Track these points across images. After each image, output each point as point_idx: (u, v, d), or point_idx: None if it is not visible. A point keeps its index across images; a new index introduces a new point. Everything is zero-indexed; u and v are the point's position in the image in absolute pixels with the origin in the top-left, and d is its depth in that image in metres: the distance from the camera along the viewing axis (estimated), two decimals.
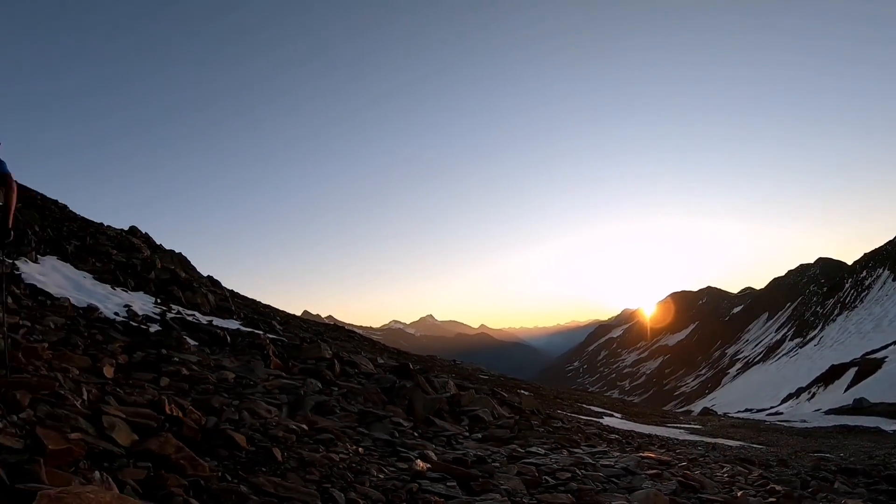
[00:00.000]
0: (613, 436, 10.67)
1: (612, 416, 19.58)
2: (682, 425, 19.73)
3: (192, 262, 17.68)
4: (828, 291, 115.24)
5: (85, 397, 3.71)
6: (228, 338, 9.76)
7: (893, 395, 25.84)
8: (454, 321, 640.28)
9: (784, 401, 54.67)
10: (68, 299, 8.19)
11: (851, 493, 6.36)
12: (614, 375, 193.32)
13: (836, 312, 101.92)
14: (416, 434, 5.68)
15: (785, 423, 22.75)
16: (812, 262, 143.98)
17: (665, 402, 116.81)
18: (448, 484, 3.78)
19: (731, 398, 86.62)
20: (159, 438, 3.10)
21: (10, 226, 4.57)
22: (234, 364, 7.34)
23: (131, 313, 9.66)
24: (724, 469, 6.71)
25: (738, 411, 58.59)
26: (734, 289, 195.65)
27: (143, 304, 11.06)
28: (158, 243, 17.77)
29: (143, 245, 16.50)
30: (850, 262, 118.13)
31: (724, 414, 43.59)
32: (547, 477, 4.49)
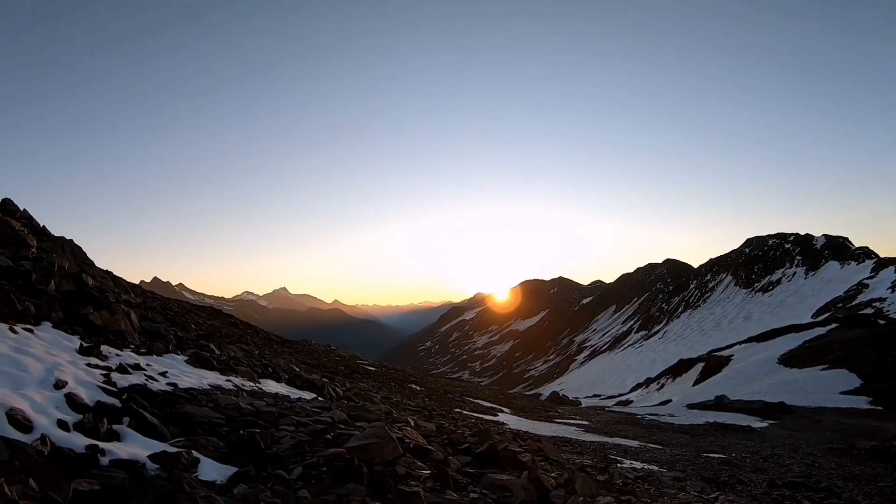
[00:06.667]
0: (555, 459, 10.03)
1: (503, 411, 19.53)
2: (570, 421, 19.63)
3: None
4: (673, 290, 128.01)
5: None
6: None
7: (744, 392, 28.82)
8: (308, 295, 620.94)
9: (633, 389, 59.72)
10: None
11: None
12: (465, 357, 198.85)
13: (680, 310, 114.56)
14: None
15: (658, 418, 24.14)
16: (660, 261, 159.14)
17: (514, 384, 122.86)
18: None
19: (578, 383, 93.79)
20: None
21: None
22: None
23: (77, 406, 4.37)
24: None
25: (587, 396, 63.49)
26: (585, 281, 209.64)
27: (69, 360, 5.57)
28: (42, 225, 12.42)
29: (26, 232, 11.36)
30: (695, 266, 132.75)
31: (576, 398, 46.63)
32: None
